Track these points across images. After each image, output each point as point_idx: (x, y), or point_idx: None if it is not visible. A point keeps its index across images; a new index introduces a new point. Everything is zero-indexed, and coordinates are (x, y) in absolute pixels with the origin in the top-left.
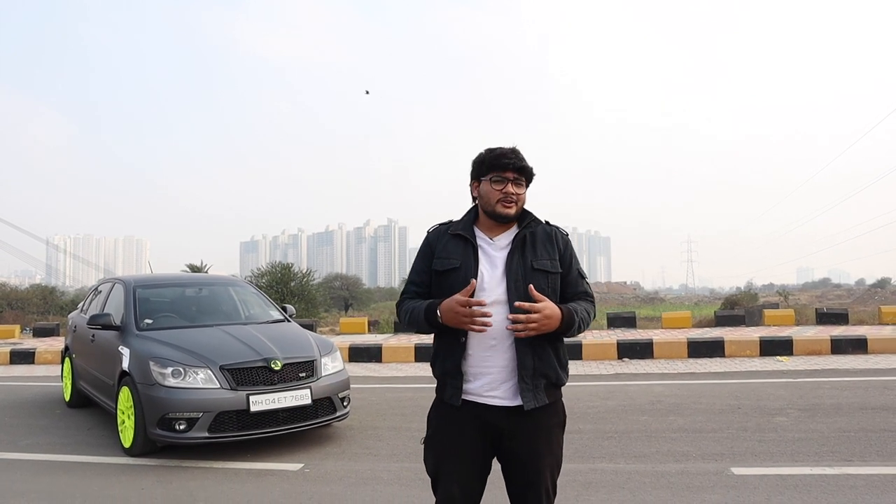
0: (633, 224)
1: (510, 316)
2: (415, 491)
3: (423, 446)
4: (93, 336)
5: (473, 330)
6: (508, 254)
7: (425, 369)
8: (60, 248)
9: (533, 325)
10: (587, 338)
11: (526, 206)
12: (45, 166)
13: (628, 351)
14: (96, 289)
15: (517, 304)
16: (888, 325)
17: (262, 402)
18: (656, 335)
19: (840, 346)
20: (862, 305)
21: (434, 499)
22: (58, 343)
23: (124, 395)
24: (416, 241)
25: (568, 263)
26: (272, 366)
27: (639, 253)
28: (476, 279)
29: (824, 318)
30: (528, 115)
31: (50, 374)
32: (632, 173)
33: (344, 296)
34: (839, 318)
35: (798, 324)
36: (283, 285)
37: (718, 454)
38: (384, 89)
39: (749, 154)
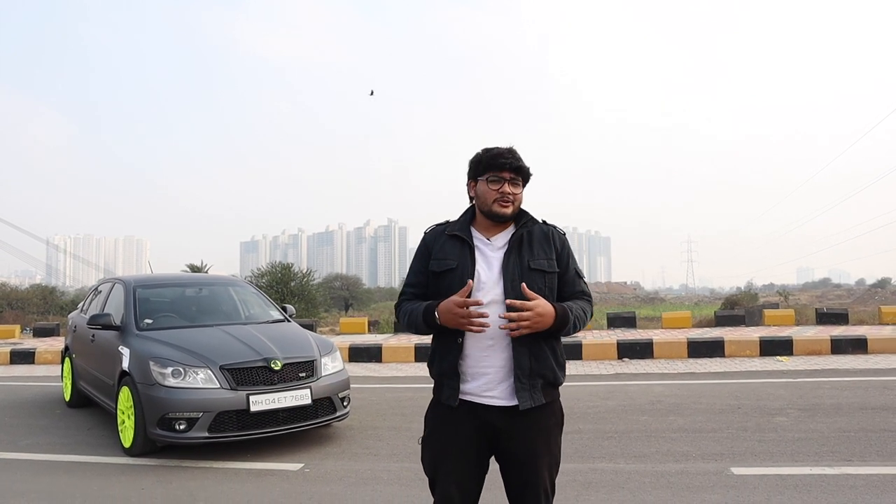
0: (633, 224)
1: (502, 315)
2: (415, 491)
3: (420, 446)
4: (93, 336)
5: (472, 330)
6: (505, 254)
7: (425, 369)
8: (60, 248)
9: (525, 322)
10: (587, 338)
11: (525, 206)
12: (45, 166)
13: (628, 351)
14: (96, 289)
15: (508, 301)
16: (888, 325)
17: (262, 402)
18: (656, 335)
19: (840, 346)
20: (862, 305)
21: (432, 499)
22: (58, 343)
23: (124, 395)
24: (416, 241)
25: (565, 263)
26: (272, 366)
27: (639, 253)
28: (473, 280)
29: (824, 318)
30: (528, 115)
31: (50, 374)
32: (632, 173)
33: (344, 296)
34: (839, 318)
35: (798, 324)
36: (283, 285)
37: (718, 454)
38: (384, 89)
39: (749, 154)
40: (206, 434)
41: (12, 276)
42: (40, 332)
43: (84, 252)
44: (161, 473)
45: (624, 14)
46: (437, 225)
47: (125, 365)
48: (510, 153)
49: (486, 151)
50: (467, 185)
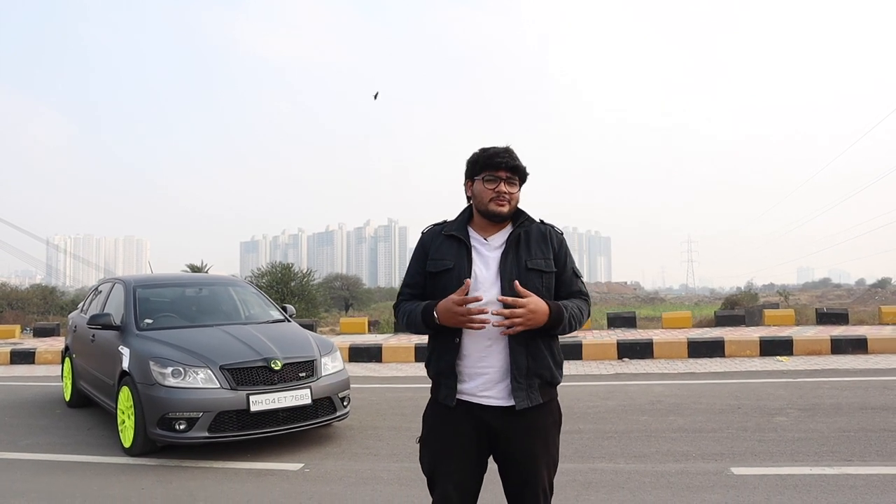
0: (633, 224)
1: (494, 311)
2: (414, 491)
3: (419, 446)
4: (93, 336)
5: (472, 328)
6: (502, 253)
7: (425, 369)
8: (60, 248)
9: (518, 319)
10: (587, 338)
11: (525, 206)
12: (45, 166)
13: (628, 351)
14: (96, 289)
15: (500, 298)
16: (888, 325)
17: (262, 401)
18: (656, 335)
19: (840, 346)
20: (862, 305)
21: (431, 498)
22: (58, 343)
23: (124, 394)
24: (416, 240)
25: (562, 262)
26: (272, 366)
27: (639, 253)
28: (470, 279)
29: (824, 318)
30: (527, 115)
31: (50, 374)
32: (632, 173)
33: (344, 296)
34: (839, 318)
35: (798, 324)
36: (283, 285)
37: (718, 454)
38: (384, 89)
39: (749, 154)
40: (206, 434)
41: (12, 276)
42: (40, 332)
43: (84, 252)
44: (161, 473)
45: (624, 14)
46: (434, 225)
47: (125, 365)
48: (506, 152)
49: (483, 151)
50: (464, 184)
